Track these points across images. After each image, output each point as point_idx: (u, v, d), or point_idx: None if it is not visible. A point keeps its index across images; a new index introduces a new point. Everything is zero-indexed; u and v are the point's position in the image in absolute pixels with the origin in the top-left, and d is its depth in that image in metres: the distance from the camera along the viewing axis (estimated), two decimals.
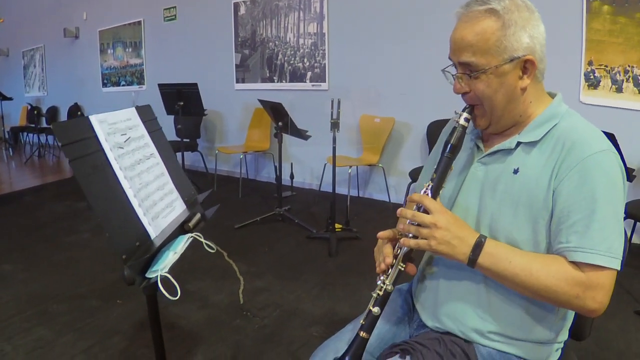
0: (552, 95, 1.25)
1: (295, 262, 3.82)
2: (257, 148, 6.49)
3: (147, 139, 1.44)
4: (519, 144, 1.19)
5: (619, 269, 1.05)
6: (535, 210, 1.13)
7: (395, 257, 1.23)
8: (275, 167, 5.37)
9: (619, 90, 4.13)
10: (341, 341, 1.37)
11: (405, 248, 1.21)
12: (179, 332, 2.74)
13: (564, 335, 1.29)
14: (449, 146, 1.21)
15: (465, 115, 1.22)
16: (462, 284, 1.25)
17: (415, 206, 1.21)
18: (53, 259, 3.88)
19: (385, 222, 4.91)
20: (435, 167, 1.23)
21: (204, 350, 2.57)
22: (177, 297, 1.13)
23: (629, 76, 4.08)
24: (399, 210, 1.24)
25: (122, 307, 3.02)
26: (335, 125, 3.95)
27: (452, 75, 1.23)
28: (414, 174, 4.68)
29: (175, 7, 7.50)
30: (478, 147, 1.30)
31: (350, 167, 5.26)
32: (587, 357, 2.45)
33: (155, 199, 1.34)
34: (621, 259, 1.06)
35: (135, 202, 1.23)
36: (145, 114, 1.50)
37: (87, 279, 3.46)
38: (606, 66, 4.17)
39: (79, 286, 3.33)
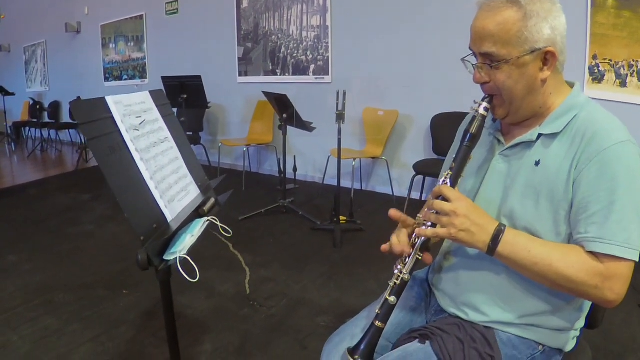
0: (570, 85, 1.24)
1: (300, 253, 3.82)
2: (260, 141, 6.48)
3: (161, 122, 1.44)
4: (539, 135, 1.19)
5: (637, 260, 1.05)
6: (557, 201, 1.13)
7: (413, 246, 1.23)
8: (279, 159, 5.37)
9: (623, 84, 4.12)
10: (357, 327, 1.38)
11: (423, 237, 1.20)
12: (186, 322, 2.74)
13: (581, 323, 1.29)
14: (468, 135, 1.20)
15: (484, 104, 1.21)
16: (483, 274, 1.25)
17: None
18: (58, 250, 3.89)
19: (389, 216, 4.94)
20: (454, 156, 1.22)
21: (212, 339, 2.57)
22: (197, 279, 1.13)
23: (633, 70, 4.07)
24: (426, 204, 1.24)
25: (129, 297, 3.02)
26: (340, 117, 3.95)
27: (472, 64, 1.22)
28: (418, 167, 4.68)
29: (177, 0, 7.49)
30: (499, 141, 1.30)
31: (354, 159, 5.25)
32: (594, 350, 2.43)
33: (170, 182, 1.34)
34: (639, 250, 1.05)
35: (151, 185, 1.23)
36: (159, 98, 1.50)
37: (92, 269, 3.47)
38: (610, 60, 4.16)
39: (84, 276, 3.34)
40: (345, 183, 5.22)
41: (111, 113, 1.21)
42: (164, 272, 1.29)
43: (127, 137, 1.21)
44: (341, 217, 4.26)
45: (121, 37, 8.65)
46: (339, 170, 4.19)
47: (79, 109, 1.10)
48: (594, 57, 4.20)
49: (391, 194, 5.51)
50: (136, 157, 1.22)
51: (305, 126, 4.44)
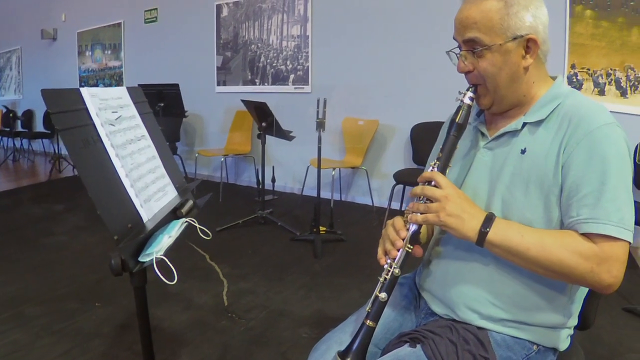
0: (553, 78, 1.25)
1: (280, 263, 3.74)
2: (238, 151, 6.39)
3: (139, 120, 1.37)
4: (524, 124, 1.19)
5: (631, 241, 1.03)
6: (547, 187, 1.12)
7: (403, 239, 1.18)
8: (257, 170, 5.30)
9: (601, 93, 4.18)
10: (344, 333, 1.32)
11: (414, 228, 1.17)
12: (163, 335, 2.64)
13: (574, 321, 1.26)
14: (454, 125, 1.20)
15: (469, 94, 1.21)
16: (471, 267, 1.22)
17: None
18: (29, 261, 3.74)
19: (369, 225, 4.97)
20: (440, 147, 1.21)
21: (189, 352, 2.48)
22: (174, 281, 1.06)
23: (611, 79, 4.13)
24: (410, 192, 1.21)
25: (102, 310, 2.90)
26: (320, 125, 3.90)
27: (456, 54, 1.23)
28: (398, 176, 4.65)
29: (156, 8, 7.40)
30: (482, 134, 1.30)
31: (334, 169, 5.21)
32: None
33: (147, 182, 1.26)
34: (633, 231, 1.03)
35: (127, 183, 1.16)
36: (136, 95, 1.43)
37: (64, 281, 3.34)
38: (588, 69, 4.22)
39: (56, 288, 3.20)
40: (325, 194, 5.17)
41: (85, 105, 1.13)
42: (138, 277, 1.21)
43: (102, 132, 1.14)
44: (321, 228, 4.20)
45: (98, 45, 8.51)
46: (318, 179, 4.13)
47: (51, 98, 1.03)
48: (573, 67, 4.26)
49: (371, 204, 5.48)
50: (111, 152, 1.14)
51: (285, 135, 4.39)
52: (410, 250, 1.17)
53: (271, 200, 5.79)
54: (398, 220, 1.22)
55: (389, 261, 1.18)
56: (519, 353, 1.18)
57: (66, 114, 1.05)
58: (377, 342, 1.30)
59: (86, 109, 1.14)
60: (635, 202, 1.10)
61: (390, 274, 1.16)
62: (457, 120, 1.20)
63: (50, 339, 2.58)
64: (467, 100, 1.21)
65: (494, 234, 1.08)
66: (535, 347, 1.20)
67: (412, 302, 1.43)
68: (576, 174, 1.07)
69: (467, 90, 1.22)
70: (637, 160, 3.56)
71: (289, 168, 6.30)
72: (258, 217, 4.72)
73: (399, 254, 1.17)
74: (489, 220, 1.10)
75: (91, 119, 1.13)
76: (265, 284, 3.33)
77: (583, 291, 1.24)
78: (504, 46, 1.14)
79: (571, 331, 1.27)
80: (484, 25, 1.13)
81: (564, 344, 1.24)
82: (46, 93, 1.02)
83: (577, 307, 1.25)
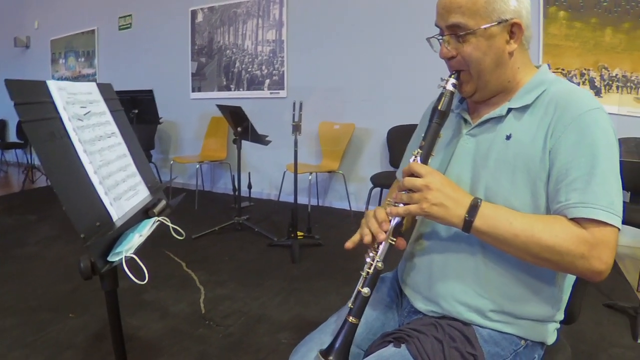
0: (538, 67, 1.25)
1: (257, 269, 3.68)
2: (214, 157, 6.31)
3: (109, 116, 1.32)
4: (509, 110, 1.17)
5: (620, 228, 1.01)
6: (534, 172, 1.09)
7: (386, 231, 1.14)
8: (233, 176, 5.24)
9: None
10: (325, 334, 1.28)
11: (396, 220, 1.13)
12: (139, 344, 2.56)
13: (560, 315, 1.23)
14: (437, 112, 1.16)
15: (452, 80, 1.18)
16: (457, 258, 1.19)
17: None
18: (1, 272, 3.63)
19: (347, 229, 4.91)
20: (423, 135, 1.18)
21: None
22: (145, 281, 1.01)
23: (585, 79, 4.20)
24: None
25: (75, 320, 2.82)
26: (297, 128, 3.87)
27: (439, 39, 1.20)
28: (375, 179, 4.64)
29: (130, 15, 7.31)
30: (465, 121, 1.27)
31: (311, 173, 5.17)
32: None
33: (117, 180, 1.21)
34: (621, 217, 1.01)
35: (95, 179, 1.11)
36: (107, 91, 1.38)
37: (37, 291, 3.23)
38: (563, 70, 4.28)
39: (28, 299, 3.10)
40: (302, 199, 5.13)
41: (52, 98, 1.08)
42: (109, 280, 1.16)
43: (69, 126, 1.09)
44: (299, 233, 4.16)
45: (72, 52, 8.36)
46: (295, 183, 4.10)
47: (16, 88, 0.98)
48: (547, 67, 4.29)
49: (349, 208, 5.45)
50: (79, 148, 1.09)
51: (261, 139, 4.34)
52: (393, 243, 1.14)
53: (248, 206, 5.73)
54: (380, 211, 1.19)
55: (371, 254, 1.15)
56: (507, 348, 1.16)
57: (31, 106, 1.00)
58: (359, 343, 1.26)
59: (53, 102, 1.09)
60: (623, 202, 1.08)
61: (373, 267, 1.13)
62: (439, 107, 1.16)
63: (23, 351, 2.49)
64: (449, 87, 1.17)
65: (480, 222, 1.05)
66: (523, 342, 1.17)
67: (394, 300, 1.39)
68: (565, 158, 1.05)
69: (450, 76, 1.19)
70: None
71: (266, 174, 6.25)
72: (235, 223, 4.66)
73: (381, 247, 1.14)
74: (474, 205, 1.07)
75: (58, 112, 1.08)
76: (243, 290, 3.27)
77: (570, 282, 1.22)
78: (488, 30, 1.11)
79: (558, 325, 1.25)
80: (469, 9, 1.11)
81: (551, 338, 1.22)
82: (10, 83, 0.97)
83: (565, 299, 1.23)
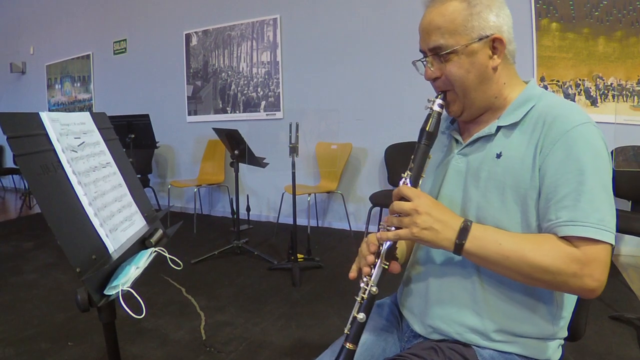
0: (526, 83, 1.24)
1: (258, 294, 3.64)
2: (212, 181, 6.29)
3: (103, 146, 1.30)
4: (499, 128, 1.17)
5: (613, 243, 0.99)
6: (523, 190, 1.08)
7: (378, 255, 1.13)
8: (231, 199, 5.21)
9: None
10: None
11: (388, 244, 1.12)
12: None
13: (563, 332, 1.21)
14: (425, 133, 1.16)
15: (439, 101, 1.18)
16: (453, 280, 1.18)
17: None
18: None
19: (347, 250, 4.90)
20: (412, 157, 1.17)
21: None
22: (143, 315, 0.98)
23: (580, 89, 4.23)
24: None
25: (74, 349, 2.77)
26: (294, 150, 3.86)
27: (423, 62, 1.21)
28: (374, 199, 4.63)
29: (125, 39, 7.35)
30: (457, 141, 1.27)
31: (309, 194, 5.16)
32: None
33: (112, 210, 1.19)
34: (614, 233, 1.00)
35: (90, 211, 1.09)
36: (101, 121, 1.36)
37: (35, 320, 3.19)
38: (558, 81, 4.31)
39: (26, 328, 3.06)
40: (301, 221, 5.10)
41: (46, 130, 1.07)
42: (107, 313, 1.13)
43: (63, 158, 1.07)
44: (299, 255, 4.12)
45: (67, 78, 8.39)
46: (294, 205, 4.07)
47: (8, 121, 0.97)
48: (542, 79, 4.34)
49: (348, 228, 5.42)
50: (73, 180, 1.07)
51: (258, 162, 4.33)
52: (386, 267, 1.13)
53: (247, 229, 5.70)
54: (372, 236, 1.18)
55: (365, 279, 1.14)
56: None
57: (24, 139, 0.99)
58: None
59: (46, 134, 1.07)
60: (616, 210, 1.06)
61: (367, 292, 1.12)
62: (427, 128, 1.16)
63: None
64: (436, 108, 1.18)
65: (470, 244, 1.04)
66: None
67: (394, 324, 1.37)
68: (553, 176, 1.04)
69: (436, 97, 1.19)
70: (614, 167, 3.60)
71: (264, 196, 6.23)
72: (234, 247, 4.61)
73: (374, 271, 1.13)
74: (464, 228, 1.05)
75: (52, 144, 1.07)
76: (244, 315, 3.22)
77: (572, 299, 1.20)
78: (469, 47, 1.12)
79: (561, 341, 1.23)
80: (447, 28, 1.12)
81: (555, 355, 1.20)
82: (2, 117, 0.95)
83: (566, 316, 1.20)
